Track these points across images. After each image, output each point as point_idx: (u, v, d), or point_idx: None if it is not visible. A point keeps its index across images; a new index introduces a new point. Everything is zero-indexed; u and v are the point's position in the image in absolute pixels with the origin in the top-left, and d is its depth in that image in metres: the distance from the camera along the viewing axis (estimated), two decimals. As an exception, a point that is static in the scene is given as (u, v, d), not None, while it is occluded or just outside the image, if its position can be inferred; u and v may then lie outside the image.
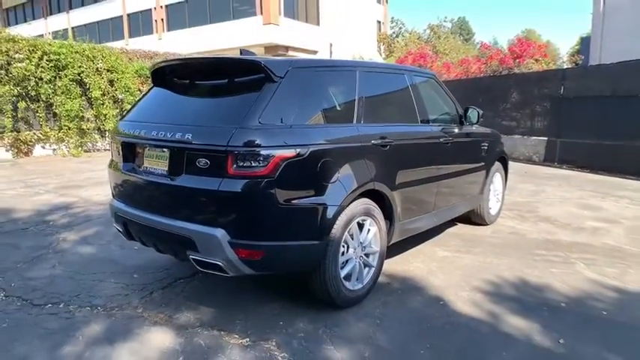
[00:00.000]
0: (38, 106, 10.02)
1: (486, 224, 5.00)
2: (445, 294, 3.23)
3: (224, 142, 2.39)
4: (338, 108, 2.98)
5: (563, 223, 5.18)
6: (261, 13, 24.44)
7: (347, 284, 2.94)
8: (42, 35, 32.97)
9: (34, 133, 10.33)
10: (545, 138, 10.51)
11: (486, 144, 4.67)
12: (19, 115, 9.88)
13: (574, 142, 9.77)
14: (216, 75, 2.90)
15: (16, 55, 9.54)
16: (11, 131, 9.86)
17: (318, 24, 27.19)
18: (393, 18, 35.34)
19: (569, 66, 18.52)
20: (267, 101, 2.53)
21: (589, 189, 7.33)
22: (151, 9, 28.16)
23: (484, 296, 3.21)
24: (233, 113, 2.55)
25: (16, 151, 9.83)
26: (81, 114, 10.82)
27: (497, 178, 5.12)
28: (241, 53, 3.10)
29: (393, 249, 4.01)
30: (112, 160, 3.24)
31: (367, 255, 3.13)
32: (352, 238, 2.96)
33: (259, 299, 3.12)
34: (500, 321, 2.86)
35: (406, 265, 3.79)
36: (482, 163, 4.64)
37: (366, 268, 3.14)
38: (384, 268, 3.68)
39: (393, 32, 34.56)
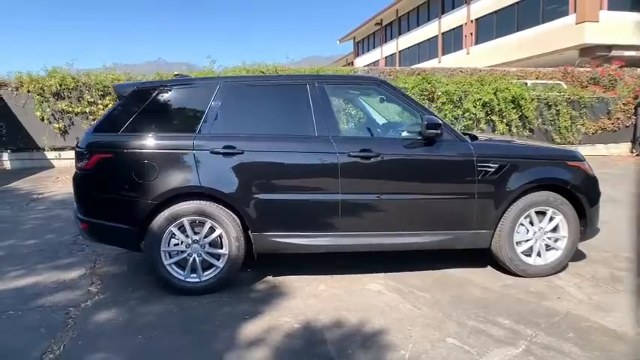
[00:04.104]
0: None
1: (516, 275, 3.67)
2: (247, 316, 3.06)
3: (76, 145, 3.44)
4: (180, 119, 3.40)
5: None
6: (575, 11, 21.26)
7: (179, 274, 3.33)
8: (377, 61, 39.61)
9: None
10: None
11: (494, 165, 3.49)
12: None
13: None
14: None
15: None
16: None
17: (668, 10, 21.20)
18: None
19: None
20: (107, 115, 3.39)
21: None
22: (462, 25, 29.14)
23: (268, 334, 2.84)
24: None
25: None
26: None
27: (549, 216, 3.65)
28: (175, 76, 3.95)
29: (325, 268, 3.78)
30: None
31: (218, 257, 3.36)
32: (186, 235, 3.31)
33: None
34: None
35: (308, 286, 3.54)
36: (488, 190, 3.51)
37: (212, 268, 3.37)
38: (276, 277, 3.69)
39: None
